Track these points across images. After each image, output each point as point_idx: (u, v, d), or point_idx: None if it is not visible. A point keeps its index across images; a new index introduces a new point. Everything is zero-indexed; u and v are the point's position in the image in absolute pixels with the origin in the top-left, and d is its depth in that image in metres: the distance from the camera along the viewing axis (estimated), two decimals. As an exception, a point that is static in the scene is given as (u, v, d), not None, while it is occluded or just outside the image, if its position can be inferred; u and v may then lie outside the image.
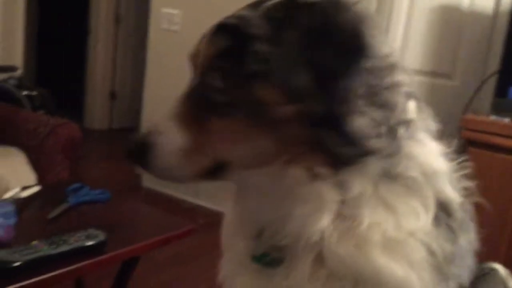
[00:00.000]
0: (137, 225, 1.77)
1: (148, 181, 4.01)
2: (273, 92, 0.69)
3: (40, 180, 2.56)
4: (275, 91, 0.69)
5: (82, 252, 1.40)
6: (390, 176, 0.74)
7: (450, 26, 2.89)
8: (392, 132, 0.72)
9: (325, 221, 0.72)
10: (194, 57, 0.78)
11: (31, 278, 1.27)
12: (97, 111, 5.98)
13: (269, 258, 0.79)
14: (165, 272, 2.66)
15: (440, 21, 2.92)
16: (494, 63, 2.57)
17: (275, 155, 0.72)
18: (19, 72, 4.12)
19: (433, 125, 0.82)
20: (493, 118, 2.25)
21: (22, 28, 4.58)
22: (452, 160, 0.82)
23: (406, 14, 3.00)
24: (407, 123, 0.74)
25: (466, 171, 0.82)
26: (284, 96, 0.69)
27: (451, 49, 2.89)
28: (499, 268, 1.28)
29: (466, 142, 2.27)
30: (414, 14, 2.98)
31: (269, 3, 0.73)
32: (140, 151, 0.74)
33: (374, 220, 0.72)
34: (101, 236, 1.44)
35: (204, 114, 0.73)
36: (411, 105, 0.77)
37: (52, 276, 1.29)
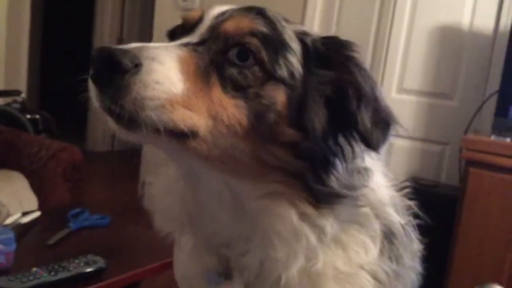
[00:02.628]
0: (137, 250, 1.76)
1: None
2: (285, 104, 0.71)
3: (41, 204, 2.57)
4: (287, 107, 0.71)
5: (82, 279, 1.40)
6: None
7: (450, 47, 2.90)
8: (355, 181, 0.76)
9: (298, 263, 0.73)
10: (200, 16, 0.75)
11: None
12: (100, 133, 6.00)
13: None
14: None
15: (440, 42, 2.93)
16: (494, 83, 2.58)
17: (254, 168, 0.71)
18: (22, 96, 4.16)
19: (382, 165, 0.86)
20: (493, 138, 2.25)
21: (27, 53, 4.63)
22: (397, 188, 0.87)
23: (406, 34, 3.02)
24: (365, 171, 0.78)
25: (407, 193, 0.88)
26: (291, 117, 0.71)
27: (451, 69, 2.90)
28: (500, 289, 1.28)
29: (467, 163, 2.27)
30: (413, 34, 3.00)
31: (298, 27, 0.76)
32: (117, 67, 0.61)
33: (327, 257, 0.75)
34: (101, 262, 1.44)
35: (210, 79, 0.69)
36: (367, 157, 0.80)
37: (51, 303, 1.29)
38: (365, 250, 0.77)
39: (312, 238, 0.71)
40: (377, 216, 0.80)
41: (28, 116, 3.96)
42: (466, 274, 2.17)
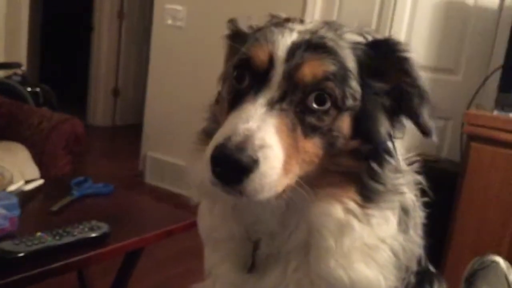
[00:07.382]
0: (140, 218, 1.77)
1: (150, 177, 4.02)
2: (349, 126, 0.78)
3: (43, 175, 2.57)
4: (351, 126, 0.79)
5: (86, 244, 1.40)
6: None
7: (454, 21, 2.88)
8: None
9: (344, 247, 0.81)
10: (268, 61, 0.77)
11: (35, 268, 1.27)
12: (100, 107, 5.99)
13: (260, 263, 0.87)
14: (166, 269, 2.66)
15: (444, 16, 2.91)
16: (498, 58, 2.56)
17: (323, 178, 0.79)
18: (23, 69, 4.13)
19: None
20: (496, 113, 2.25)
21: (27, 25, 4.59)
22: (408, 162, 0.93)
23: (410, 8, 2.99)
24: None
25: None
26: (354, 131, 0.79)
27: (455, 44, 2.88)
28: (500, 260, 1.29)
29: (469, 137, 2.27)
30: (418, 8, 2.97)
31: (352, 37, 0.81)
32: (241, 168, 0.67)
33: (357, 232, 0.81)
34: (105, 227, 1.45)
35: (296, 132, 0.75)
36: None
37: (57, 266, 1.29)
38: (387, 223, 0.83)
39: (357, 227, 0.79)
40: (396, 191, 0.84)
41: (29, 89, 3.94)
42: (466, 246, 2.19)
